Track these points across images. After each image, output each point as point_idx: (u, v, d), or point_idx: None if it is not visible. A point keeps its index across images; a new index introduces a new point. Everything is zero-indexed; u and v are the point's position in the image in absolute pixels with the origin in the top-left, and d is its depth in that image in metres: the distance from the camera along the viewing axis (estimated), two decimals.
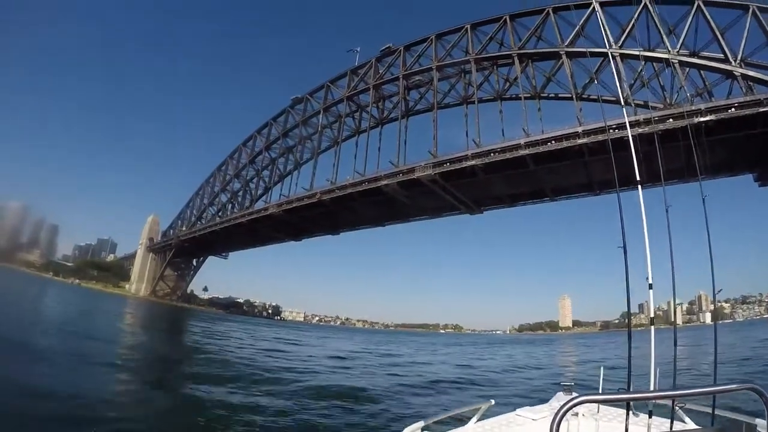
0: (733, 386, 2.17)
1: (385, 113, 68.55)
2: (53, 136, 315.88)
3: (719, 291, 5.05)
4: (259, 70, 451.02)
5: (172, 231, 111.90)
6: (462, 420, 4.82)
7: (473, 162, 47.24)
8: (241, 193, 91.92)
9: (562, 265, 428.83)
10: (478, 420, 4.83)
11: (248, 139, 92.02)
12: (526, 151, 43.48)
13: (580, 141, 39.43)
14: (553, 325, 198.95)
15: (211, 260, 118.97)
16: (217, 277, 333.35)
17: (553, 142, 42.26)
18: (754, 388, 2.08)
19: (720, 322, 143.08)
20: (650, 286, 4.35)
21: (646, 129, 37.74)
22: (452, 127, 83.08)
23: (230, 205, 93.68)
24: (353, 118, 72.67)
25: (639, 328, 5.28)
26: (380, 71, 66.10)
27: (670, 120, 38.23)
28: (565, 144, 41.29)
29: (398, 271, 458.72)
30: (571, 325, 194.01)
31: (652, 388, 4.19)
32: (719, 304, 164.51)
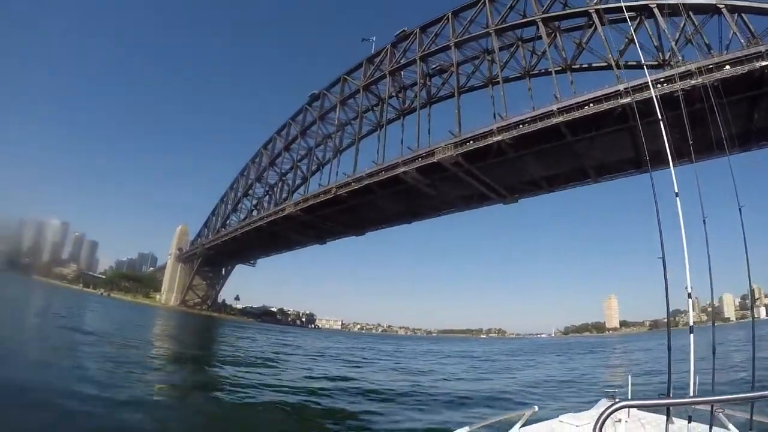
0: None
1: (406, 103, 64.88)
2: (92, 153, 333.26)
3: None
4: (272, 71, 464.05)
5: (199, 239, 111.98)
6: (506, 426, 4.73)
7: (500, 137, 42.09)
8: (266, 198, 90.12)
9: (607, 260, 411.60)
10: (522, 426, 4.70)
11: (268, 142, 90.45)
12: (560, 119, 38.02)
13: (623, 101, 34.09)
14: (599, 327, 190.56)
15: (250, 271, 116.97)
16: (255, 287, 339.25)
17: (591, 105, 36.95)
18: None
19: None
20: (689, 295, 4.38)
21: (700, 80, 32.40)
22: (478, 119, 78.10)
23: (254, 211, 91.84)
24: (373, 111, 69.29)
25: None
26: (396, 56, 62.70)
27: (727, 67, 32.54)
28: (605, 106, 35.83)
29: (442, 276, 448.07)
30: (618, 326, 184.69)
31: (691, 394, 4.10)
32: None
